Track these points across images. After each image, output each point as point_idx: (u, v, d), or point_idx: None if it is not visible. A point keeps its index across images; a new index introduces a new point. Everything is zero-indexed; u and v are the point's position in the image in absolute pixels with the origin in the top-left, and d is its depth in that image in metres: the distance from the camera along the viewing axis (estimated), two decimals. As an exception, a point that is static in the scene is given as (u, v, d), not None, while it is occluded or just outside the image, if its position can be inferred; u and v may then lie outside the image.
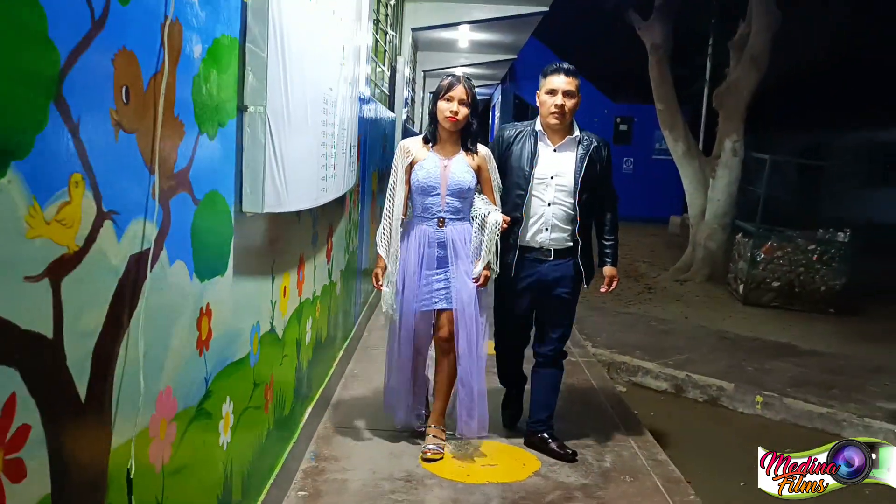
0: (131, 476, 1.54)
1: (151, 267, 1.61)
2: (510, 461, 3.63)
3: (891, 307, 8.86)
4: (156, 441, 1.69)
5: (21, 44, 1.11)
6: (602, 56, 17.89)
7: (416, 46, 12.44)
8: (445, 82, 3.55)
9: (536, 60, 17.17)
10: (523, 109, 20.06)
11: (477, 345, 3.60)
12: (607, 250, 3.83)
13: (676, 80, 11.26)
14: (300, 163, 2.78)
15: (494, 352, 4.04)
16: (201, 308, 1.97)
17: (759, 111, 10.70)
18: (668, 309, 8.36)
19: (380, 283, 3.61)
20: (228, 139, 2.14)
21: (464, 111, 3.50)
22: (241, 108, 2.22)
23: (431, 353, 3.80)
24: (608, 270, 3.85)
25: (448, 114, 3.49)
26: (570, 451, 3.75)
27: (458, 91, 3.49)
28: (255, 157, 2.28)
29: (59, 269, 1.23)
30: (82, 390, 1.34)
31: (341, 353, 4.76)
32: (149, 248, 1.59)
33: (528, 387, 4.06)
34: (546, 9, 9.48)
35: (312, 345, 3.72)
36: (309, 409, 3.70)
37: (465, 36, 11.93)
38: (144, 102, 1.54)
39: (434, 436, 3.69)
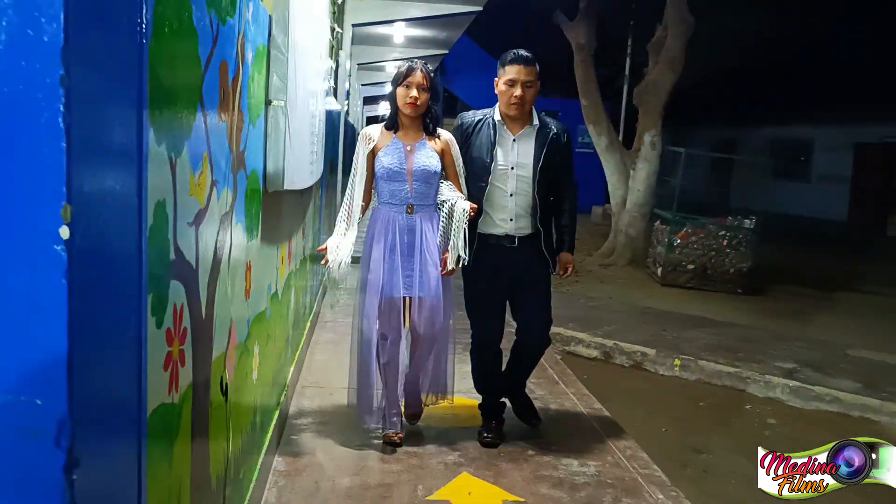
0: (225, 382, 2.02)
1: (230, 225, 2.09)
2: (469, 412, 4.16)
3: (788, 288, 9.83)
4: (228, 361, 2.17)
5: (188, 58, 1.59)
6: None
7: (351, 40, 12.82)
8: (403, 69, 3.56)
9: (465, 56, 17.84)
10: (452, 103, 20.68)
11: (439, 327, 3.62)
12: (564, 237, 3.82)
13: (599, 79, 12.03)
14: (301, 149, 3.26)
15: (470, 356, 3.96)
16: (247, 263, 2.45)
17: (675, 108, 11.56)
18: (594, 289, 9.07)
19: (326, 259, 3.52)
20: (260, 128, 2.61)
21: (423, 96, 3.52)
22: (267, 103, 2.69)
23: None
24: (564, 257, 3.84)
25: (408, 100, 3.50)
26: (533, 419, 4.02)
27: (417, 77, 3.51)
28: (277, 143, 2.75)
29: (199, 219, 1.71)
30: (203, 311, 1.81)
31: (309, 322, 5.23)
32: (229, 210, 2.07)
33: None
34: (480, 8, 10.02)
35: (294, 310, 4.19)
36: (291, 368, 4.17)
37: (400, 31, 12.37)
38: (228, 99, 2.01)
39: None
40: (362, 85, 18.64)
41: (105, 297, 1.13)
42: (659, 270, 9.72)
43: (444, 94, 20.68)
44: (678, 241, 9.57)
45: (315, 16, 3.70)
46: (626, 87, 14.92)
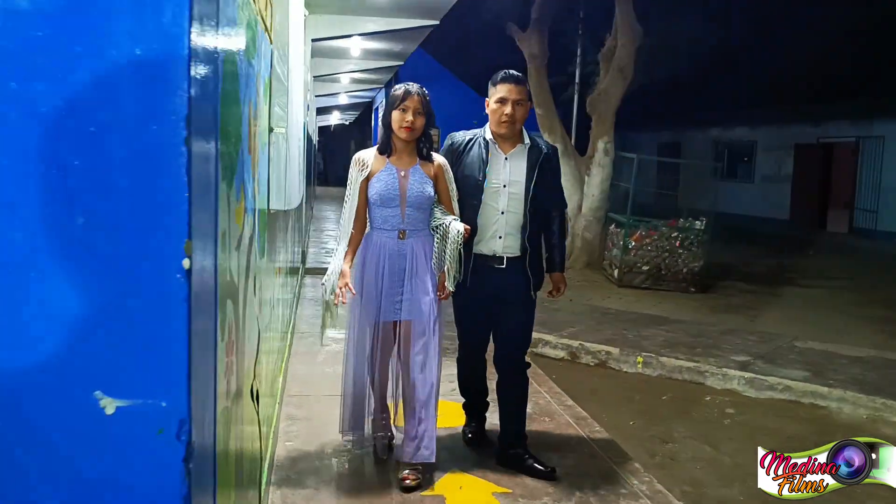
0: (255, 389, 2.23)
1: (254, 246, 2.29)
2: (452, 414, 4.38)
3: (738, 284, 10.32)
4: (257, 371, 2.37)
5: (234, 102, 1.80)
6: (481, 63, 19.01)
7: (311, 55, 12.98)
8: (399, 92, 3.48)
9: (418, 66, 18.09)
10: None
11: (432, 361, 3.53)
12: (556, 258, 3.85)
13: (551, 87, 12.40)
14: (293, 169, 3.46)
15: (457, 363, 4.02)
16: (259, 279, 2.65)
17: (623, 113, 12.00)
18: (555, 292, 9.39)
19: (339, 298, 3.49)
20: (265, 153, 2.81)
21: (419, 121, 3.47)
22: (270, 130, 2.90)
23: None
24: (557, 277, 3.85)
25: (404, 124, 3.44)
26: (550, 468, 3.67)
27: (413, 101, 3.45)
28: (278, 166, 2.96)
29: (239, 243, 1.92)
30: (241, 325, 2.02)
31: (289, 333, 5.41)
32: (253, 232, 2.28)
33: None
34: (437, 22, 10.29)
35: (282, 320, 4.38)
36: (280, 378, 4.36)
37: (357, 45, 12.57)
38: (252, 132, 2.22)
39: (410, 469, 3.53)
40: (316, 96, 18.83)
41: (200, 316, 1.34)
42: (615, 272, 10.09)
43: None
44: (633, 243, 9.96)
45: (298, 42, 3.89)
46: (576, 95, 15.34)
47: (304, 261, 9.28)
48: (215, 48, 1.40)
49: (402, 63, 14.99)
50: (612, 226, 10.65)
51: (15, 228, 1.14)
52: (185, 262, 1.18)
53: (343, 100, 22.28)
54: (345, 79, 16.93)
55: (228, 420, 1.77)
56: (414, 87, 3.51)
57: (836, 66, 19.52)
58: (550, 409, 4.64)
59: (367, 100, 23.34)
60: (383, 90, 20.57)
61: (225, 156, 1.62)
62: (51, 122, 1.13)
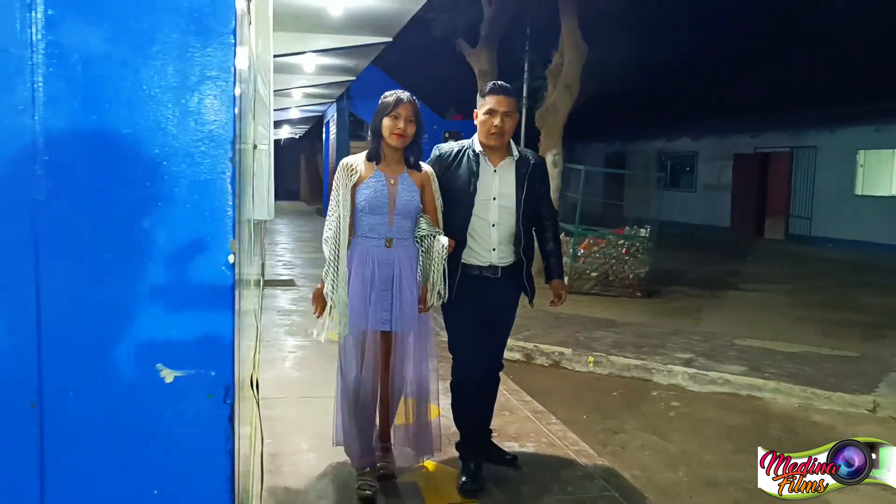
0: (254, 380, 2.49)
1: (250, 251, 2.56)
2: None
3: (681, 289, 10.83)
4: (256, 363, 2.63)
5: (244, 123, 2.07)
6: (430, 77, 19.44)
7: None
8: (391, 99, 3.48)
9: (370, 80, 18.38)
10: (357, 125, 21.17)
11: (421, 368, 3.60)
12: (553, 265, 3.86)
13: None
14: (272, 184, 3.72)
15: (451, 389, 3.84)
16: (250, 284, 2.90)
17: (571, 125, 12.50)
18: (509, 299, 9.75)
19: (320, 309, 3.57)
20: (250, 168, 3.07)
21: (411, 128, 3.46)
22: (254, 147, 3.16)
23: None
24: (557, 284, 3.84)
25: (396, 131, 3.44)
26: (512, 456, 3.97)
27: (406, 109, 3.45)
28: (261, 181, 3.22)
29: (242, 246, 2.19)
30: (243, 317, 2.28)
31: (258, 341, 5.63)
32: (249, 239, 2.54)
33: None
34: (390, 39, 10.61)
35: (254, 329, 4.60)
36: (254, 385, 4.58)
37: (311, 61, 12.79)
38: (248, 149, 2.49)
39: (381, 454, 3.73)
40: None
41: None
42: (565, 279, 10.48)
43: (350, 118, 21.18)
44: (581, 251, 10.38)
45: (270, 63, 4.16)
46: (524, 109, 15.79)
47: (263, 272, 9.46)
48: (240, 73, 1.68)
49: (354, 78, 15.26)
50: (562, 235, 11.06)
51: (96, 231, 1.40)
52: (231, 258, 1.46)
53: (294, 114, 22.43)
54: (297, 94, 17.10)
55: (239, 398, 2.04)
56: (405, 94, 3.51)
57: (772, 79, 20.50)
58: (510, 405, 4.95)
59: (319, 114, 23.55)
60: (335, 104, 20.83)
61: (241, 174, 1.89)
62: (123, 149, 1.40)
